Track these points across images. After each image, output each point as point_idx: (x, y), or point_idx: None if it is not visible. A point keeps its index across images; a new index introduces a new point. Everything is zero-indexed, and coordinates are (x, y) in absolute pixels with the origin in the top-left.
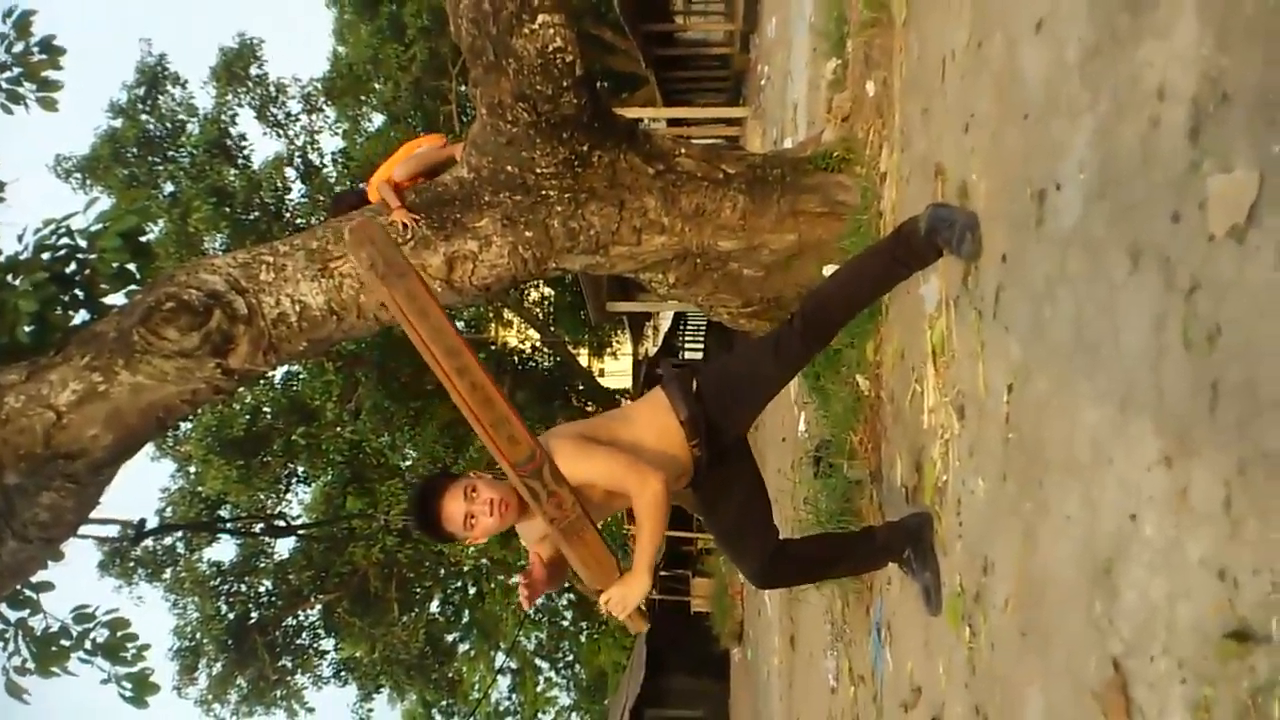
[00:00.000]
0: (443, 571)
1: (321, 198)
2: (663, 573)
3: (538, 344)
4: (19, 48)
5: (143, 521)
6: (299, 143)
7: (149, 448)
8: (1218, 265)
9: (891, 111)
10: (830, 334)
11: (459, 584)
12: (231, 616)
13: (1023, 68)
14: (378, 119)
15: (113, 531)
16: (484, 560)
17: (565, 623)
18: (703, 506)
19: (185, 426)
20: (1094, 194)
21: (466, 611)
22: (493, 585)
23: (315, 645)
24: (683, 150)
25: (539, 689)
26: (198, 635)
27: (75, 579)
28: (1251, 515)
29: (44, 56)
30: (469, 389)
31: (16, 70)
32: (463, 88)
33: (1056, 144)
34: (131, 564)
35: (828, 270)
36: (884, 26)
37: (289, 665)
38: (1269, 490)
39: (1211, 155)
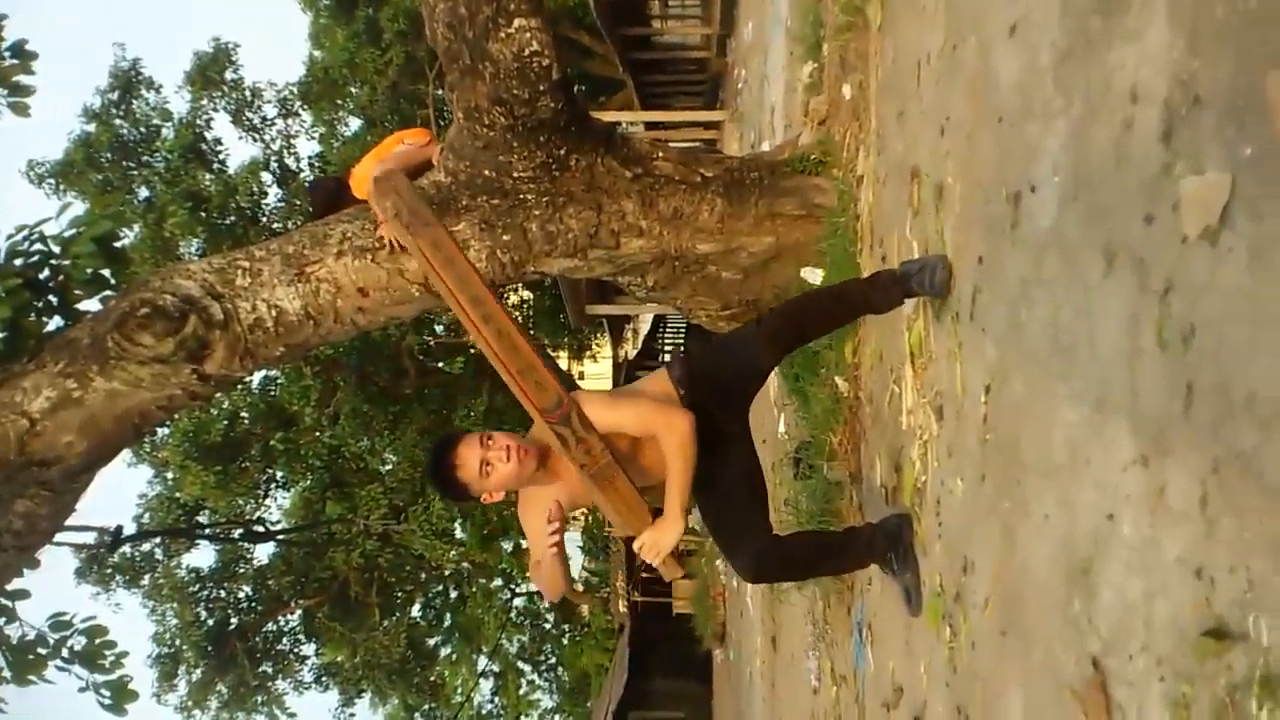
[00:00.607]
0: (424, 575)
1: (298, 202)
2: (644, 573)
3: None
4: None
5: (120, 528)
6: (275, 147)
7: (126, 454)
8: (1191, 267)
9: (868, 115)
10: (789, 350)
11: (440, 588)
12: (211, 623)
13: (996, 71)
14: (354, 123)
15: (89, 538)
16: (465, 564)
17: (548, 625)
18: (699, 490)
19: (162, 432)
20: (1068, 196)
21: (448, 615)
22: (474, 589)
23: (296, 650)
24: (660, 154)
25: (521, 692)
26: (177, 642)
27: (52, 586)
28: (1226, 514)
29: (15, 61)
30: (495, 336)
31: None
32: (439, 91)
33: (1031, 147)
34: (109, 570)
35: (805, 273)
36: (859, 30)
37: (270, 671)
38: (1243, 489)
39: (1184, 157)
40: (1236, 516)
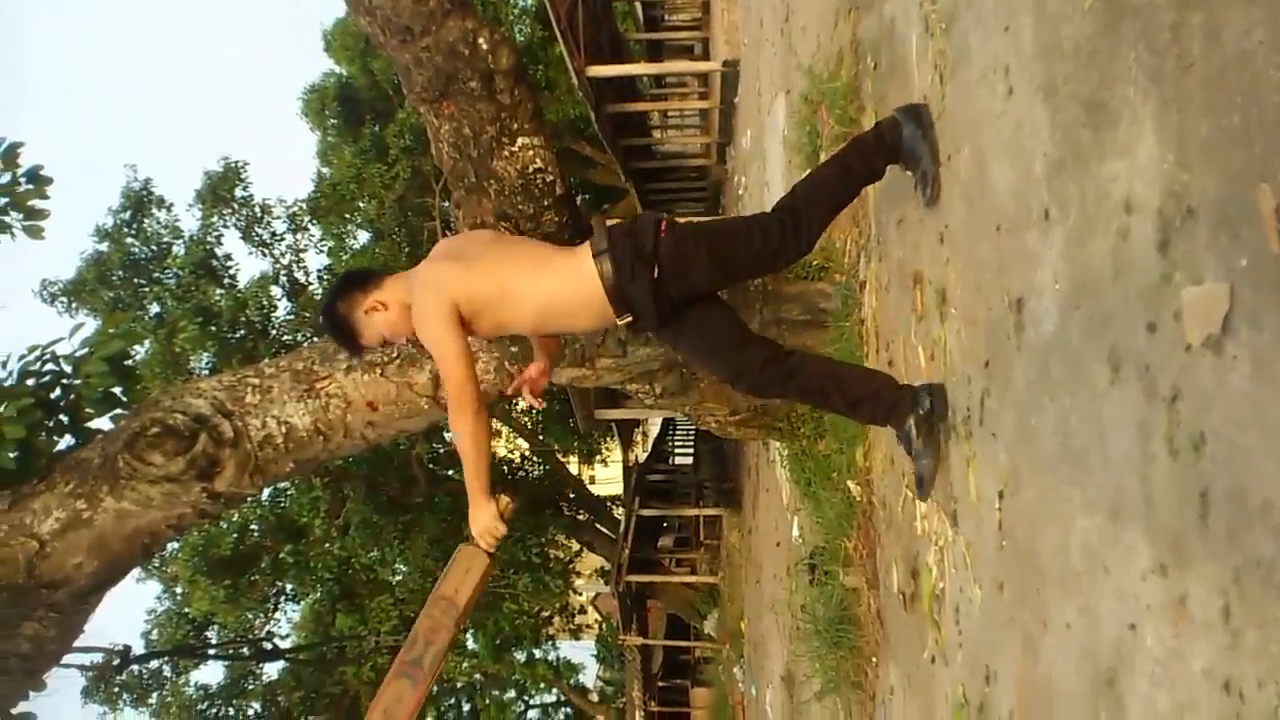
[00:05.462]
0: (435, 689)
1: (308, 314)
2: (660, 683)
3: (527, 453)
4: (6, 178)
5: (128, 648)
6: (285, 261)
7: (134, 570)
8: (1197, 374)
9: (868, 221)
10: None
11: (452, 701)
12: None
13: (992, 180)
14: (363, 236)
15: (97, 658)
16: (477, 676)
17: None
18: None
19: (172, 547)
20: (1070, 304)
21: None
22: (487, 702)
23: None
24: None
25: None
26: None
27: (57, 707)
28: (1251, 626)
29: (31, 186)
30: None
31: (3, 200)
32: (446, 204)
33: (1030, 254)
34: (116, 689)
35: None
36: None
37: None
38: (1266, 600)
39: (1181, 267)
40: (1260, 628)
